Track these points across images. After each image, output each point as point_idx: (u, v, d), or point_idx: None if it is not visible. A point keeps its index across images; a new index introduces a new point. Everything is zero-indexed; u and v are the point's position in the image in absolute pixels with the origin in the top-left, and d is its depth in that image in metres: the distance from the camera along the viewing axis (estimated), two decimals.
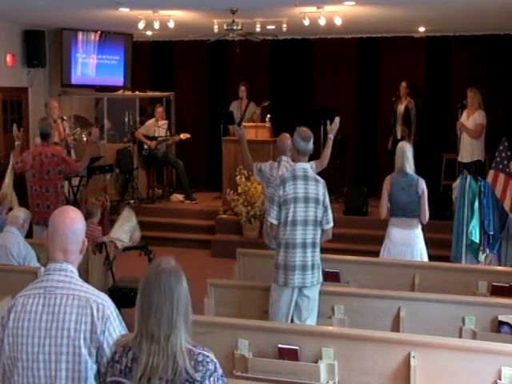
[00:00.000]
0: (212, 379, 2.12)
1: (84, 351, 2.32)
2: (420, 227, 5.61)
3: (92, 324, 2.33)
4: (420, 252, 5.60)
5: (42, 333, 2.33)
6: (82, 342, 2.32)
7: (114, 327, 2.37)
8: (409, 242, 5.57)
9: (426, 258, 5.65)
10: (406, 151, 5.57)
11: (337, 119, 5.74)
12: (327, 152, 5.70)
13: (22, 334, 2.34)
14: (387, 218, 5.70)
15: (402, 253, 5.54)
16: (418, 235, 5.60)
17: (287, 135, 5.74)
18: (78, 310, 2.34)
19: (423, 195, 5.52)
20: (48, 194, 6.38)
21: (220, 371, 2.17)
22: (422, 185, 5.54)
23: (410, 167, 5.55)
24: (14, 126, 6.67)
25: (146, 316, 2.15)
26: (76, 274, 2.46)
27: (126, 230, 6.31)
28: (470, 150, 8.42)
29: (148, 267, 2.27)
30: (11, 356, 2.36)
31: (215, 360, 2.17)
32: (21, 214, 5.54)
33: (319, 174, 5.08)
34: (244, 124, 9.39)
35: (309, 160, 4.91)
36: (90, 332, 2.33)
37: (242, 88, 10.02)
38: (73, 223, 2.46)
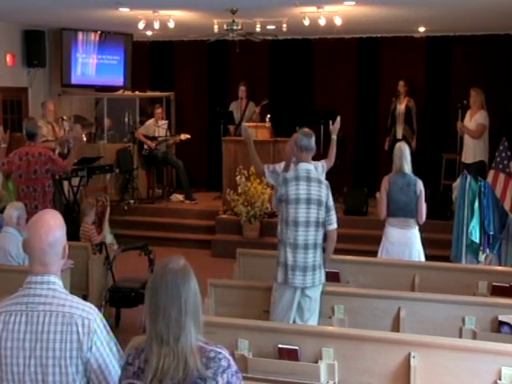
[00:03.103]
0: (225, 375, 2.08)
1: (71, 370, 2.24)
2: (417, 228, 5.63)
3: (78, 342, 2.24)
4: (418, 252, 5.62)
5: (27, 353, 2.24)
6: (68, 361, 2.24)
7: (102, 340, 2.29)
8: (407, 242, 5.58)
9: (423, 259, 5.66)
10: (405, 151, 5.60)
11: (338, 119, 5.81)
12: (332, 152, 5.75)
13: (6, 354, 2.25)
14: (386, 219, 5.71)
15: (401, 253, 5.55)
16: (415, 235, 5.62)
17: None
18: (62, 329, 2.24)
19: (421, 196, 5.54)
20: (35, 193, 6.30)
21: (234, 367, 2.13)
22: (420, 185, 5.56)
23: (408, 167, 5.57)
24: (0, 128, 6.55)
25: (154, 318, 2.11)
26: (59, 283, 2.34)
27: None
28: (472, 150, 8.39)
29: (155, 267, 2.23)
30: None
31: (229, 357, 2.14)
32: (13, 212, 5.42)
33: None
34: (244, 124, 9.38)
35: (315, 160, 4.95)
36: (76, 350, 2.24)
37: (242, 88, 10.02)
38: (49, 235, 2.31)
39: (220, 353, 2.12)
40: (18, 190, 6.46)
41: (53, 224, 2.35)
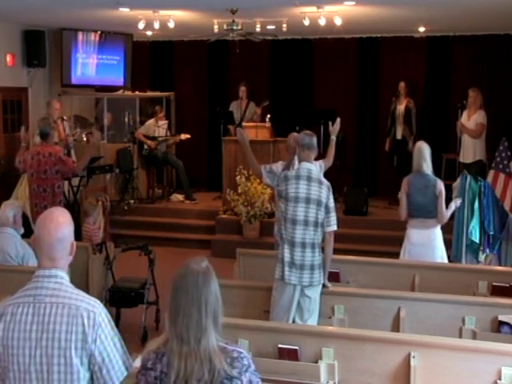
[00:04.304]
0: (248, 374, 2.17)
1: (76, 361, 2.27)
2: (439, 228, 5.55)
3: (83, 333, 2.28)
4: (441, 252, 5.55)
5: (33, 343, 2.28)
6: (73, 352, 2.27)
7: (106, 334, 2.32)
8: (427, 242, 5.51)
9: (445, 260, 5.63)
10: (424, 151, 5.51)
11: (338, 120, 5.88)
12: (331, 151, 5.85)
13: (13, 344, 2.29)
14: (407, 220, 5.64)
15: (422, 253, 5.48)
16: (437, 236, 5.54)
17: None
18: (68, 320, 2.28)
19: (440, 196, 5.46)
20: (45, 194, 6.37)
21: (253, 366, 2.21)
22: (440, 186, 5.48)
23: (427, 167, 5.51)
24: (22, 128, 6.76)
25: (175, 319, 2.16)
26: (66, 279, 2.39)
27: None
28: (471, 150, 8.37)
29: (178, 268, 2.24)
30: (2, 366, 2.31)
31: (248, 356, 2.22)
32: (9, 212, 5.36)
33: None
34: (244, 124, 9.39)
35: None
36: (81, 341, 2.28)
37: (243, 88, 10.01)
38: (58, 231, 2.36)
39: (241, 352, 2.20)
40: (29, 189, 6.57)
41: (62, 220, 2.41)
